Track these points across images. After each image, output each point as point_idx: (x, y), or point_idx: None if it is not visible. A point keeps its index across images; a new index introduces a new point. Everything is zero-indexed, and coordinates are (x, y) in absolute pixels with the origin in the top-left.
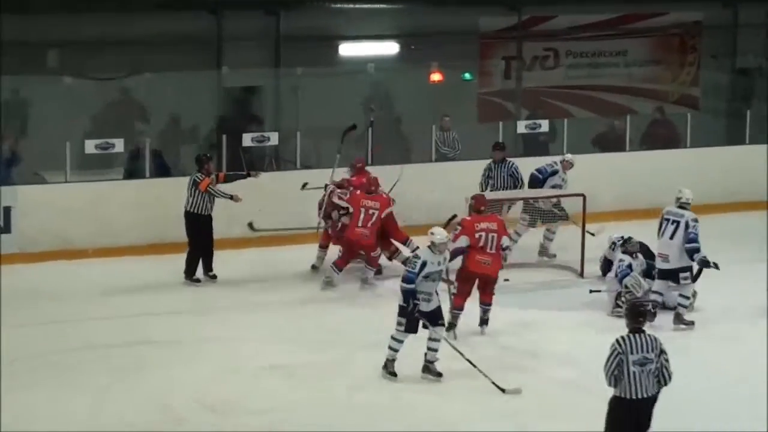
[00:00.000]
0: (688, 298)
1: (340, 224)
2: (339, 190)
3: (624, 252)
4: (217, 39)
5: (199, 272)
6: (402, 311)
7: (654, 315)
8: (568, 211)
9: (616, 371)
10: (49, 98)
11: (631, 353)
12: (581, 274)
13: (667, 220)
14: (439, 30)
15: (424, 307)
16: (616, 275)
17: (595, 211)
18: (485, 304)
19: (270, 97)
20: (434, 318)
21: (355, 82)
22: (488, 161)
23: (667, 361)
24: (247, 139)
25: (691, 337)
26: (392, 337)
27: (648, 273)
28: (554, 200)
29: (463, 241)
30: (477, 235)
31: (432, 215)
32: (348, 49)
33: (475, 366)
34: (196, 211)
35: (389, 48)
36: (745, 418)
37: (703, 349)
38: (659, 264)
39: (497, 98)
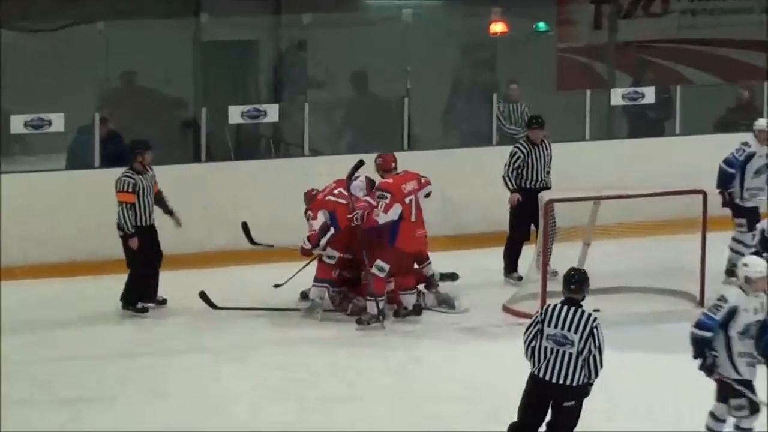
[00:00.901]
0: None
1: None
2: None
3: None
4: None
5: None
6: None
7: None
8: (682, 213)
9: (533, 342)
10: None
11: (548, 325)
12: (701, 302)
13: None
14: None
15: (748, 374)
16: None
17: (718, 212)
18: (408, 288)
19: (266, 57)
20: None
21: (385, 35)
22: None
23: (597, 349)
24: (236, 114)
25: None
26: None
27: None
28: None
29: (396, 211)
30: (407, 200)
31: (489, 218)
32: None
33: None
34: (125, 227)
35: None
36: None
37: None
38: None
39: (583, 57)
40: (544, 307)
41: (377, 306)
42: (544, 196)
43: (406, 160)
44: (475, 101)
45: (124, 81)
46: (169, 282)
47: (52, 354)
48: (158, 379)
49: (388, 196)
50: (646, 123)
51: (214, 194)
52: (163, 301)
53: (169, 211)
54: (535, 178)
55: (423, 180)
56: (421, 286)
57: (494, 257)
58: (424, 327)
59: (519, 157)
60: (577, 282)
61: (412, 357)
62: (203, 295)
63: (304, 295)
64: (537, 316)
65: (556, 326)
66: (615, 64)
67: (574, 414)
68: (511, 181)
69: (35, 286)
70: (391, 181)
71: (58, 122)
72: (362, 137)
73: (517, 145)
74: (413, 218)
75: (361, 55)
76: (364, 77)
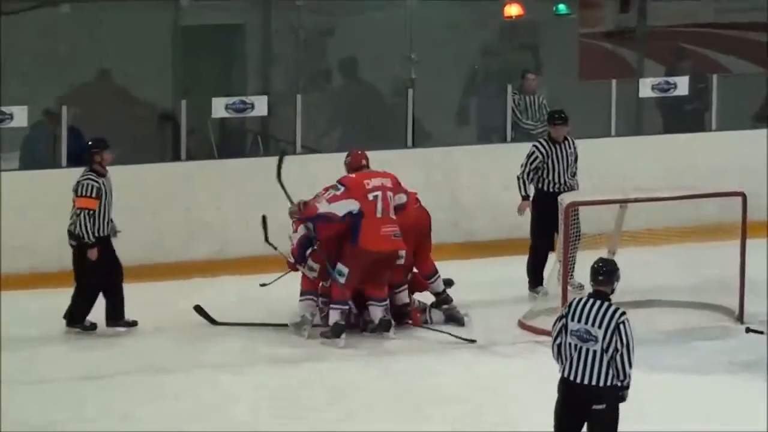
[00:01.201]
0: None
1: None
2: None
3: None
4: None
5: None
6: None
7: None
8: (719, 217)
9: (558, 339)
10: None
11: (572, 320)
12: (740, 318)
13: None
14: None
15: None
16: None
17: (759, 217)
18: (378, 300)
19: (254, 43)
20: None
21: (387, 20)
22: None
23: (625, 346)
24: (220, 107)
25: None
26: None
27: None
28: None
29: (346, 207)
30: (371, 196)
31: (503, 224)
32: None
33: None
34: (85, 237)
35: None
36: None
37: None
38: None
39: (608, 43)
40: (569, 301)
41: (339, 316)
42: (564, 199)
43: (411, 158)
44: (487, 93)
45: (98, 78)
46: (146, 295)
47: (41, 374)
48: (153, 389)
49: (342, 188)
50: (681, 117)
51: (195, 196)
52: (134, 323)
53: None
54: (556, 180)
55: (404, 187)
56: (420, 297)
57: (509, 267)
58: (431, 342)
59: (537, 157)
60: (605, 273)
61: (414, 368)
62: (199, 309)
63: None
64: (562, 311)
65: (579, 321)
66: (644, 51)
67: (608, 420)
68: (525, 185)
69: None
70: (352, 175)
71: (20, 116)
72: (362, 133)
73: (536, 143)
74: (379, 214)
75: (360, 42)
76: (354, 64)
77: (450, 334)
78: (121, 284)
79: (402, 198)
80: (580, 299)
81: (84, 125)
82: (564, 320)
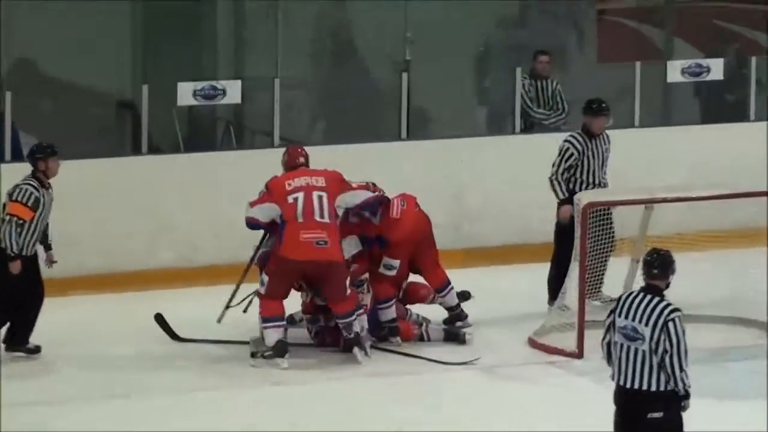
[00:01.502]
0: None
1: None
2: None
3: None
4: None
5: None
6: None
7: None
8: (757, 221)
9: (607, 336)
10: None
11: (619, 316)
12: None
13: None
14: None
15: None
16: None
17: None
18: (340, 316)
19: (227, 20)
20: None
21: None
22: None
23: (675, 347)
24: (187, 93)
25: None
26: None
27: None
28: None
29: (266, 212)
30: (291, 198)
31: (512, 227)
32: None
33: None
34: (8, 247)
35: None
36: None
37: None
38: None
39: (630, 21)
40: (619, 295)
41: (279, 334)
42: (581, 199)
43: (406, 152)
44: (494, 76)
45: (17, 66)
46: (104, 307)
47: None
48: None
49: (263, 191)
50: (720, 105)
51: (158, 195)
52: (37, 349)
53: (47, 243)
54: (590, 180)
55: (355, 184)
56: (414, 308)
57: (518, 277)
58: (425, 363)
59: (572, 154)
60: (660, 266)
61: (408, 384)
62: (160, 319)
63: (291, 320)
64: (610, 309)
65: (627, 317)
66: (673, 29)
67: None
68: (561, 187)
69: None
70: (278, 177)
71: None
72: (348, 123)
73: (569, 138)
74: (299, 219)
75: (348, 19)
76: (341, 44)
77: (440, 361)
78: (38, 309)
79: (357, 196)
80: (630, 293)
81: (21, 117)
82: (612, 315)
